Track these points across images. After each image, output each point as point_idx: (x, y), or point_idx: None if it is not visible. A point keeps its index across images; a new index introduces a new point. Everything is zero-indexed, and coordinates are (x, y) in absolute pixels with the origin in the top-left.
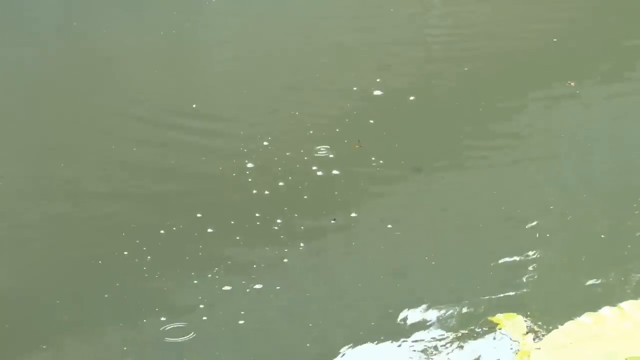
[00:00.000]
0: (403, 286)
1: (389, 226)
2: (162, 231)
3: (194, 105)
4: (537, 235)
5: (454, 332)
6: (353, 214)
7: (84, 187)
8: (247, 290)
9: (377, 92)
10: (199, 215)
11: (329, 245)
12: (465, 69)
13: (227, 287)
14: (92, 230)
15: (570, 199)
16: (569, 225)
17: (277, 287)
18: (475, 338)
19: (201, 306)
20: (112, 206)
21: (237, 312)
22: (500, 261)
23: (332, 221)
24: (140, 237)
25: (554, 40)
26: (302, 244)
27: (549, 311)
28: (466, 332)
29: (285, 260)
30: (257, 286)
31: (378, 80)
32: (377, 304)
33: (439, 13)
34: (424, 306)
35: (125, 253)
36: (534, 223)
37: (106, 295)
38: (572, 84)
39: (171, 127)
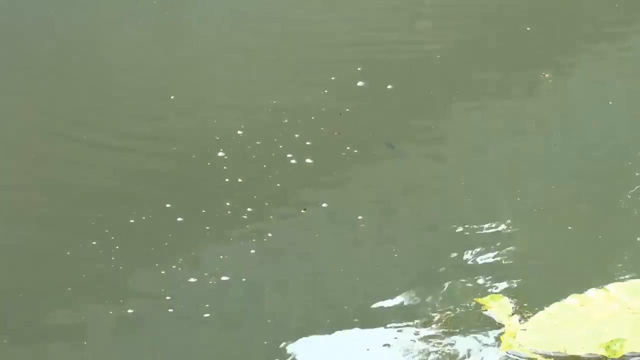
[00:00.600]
0: (374, 277)
1: (359, 217)
2: (131, 220)
3: (172, 97)
4: (517, 217)
5: (439, 313)
6: (324, 204)
7: (52, 175)
8: (214, 282)
9: (355, 82)
10: (168, 205)
11: (297, 237)
12: (438, 56)
13: (192, 279)
14: (61, 220)
15: (544, 183)
16: (550, 208)
17: (243, 279)
18: (460, 319)
19: (167, 298)
20: (83, 194)
21: (203, 304)
22: (482, 243)
23: (303, 211)
24: (109, 226)
25: (527, 29)
26: (270, 234)
27: (534, 292)
28: (451, 313)
29: (252, 251)
30: (224, 278)
31: (358, 69)
32: (345, 295)
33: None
34: (404, 291)
35: (94, 243)
36: (515, 206)
37: (69, 289)
38: (547, 75)
39: (145, 117)
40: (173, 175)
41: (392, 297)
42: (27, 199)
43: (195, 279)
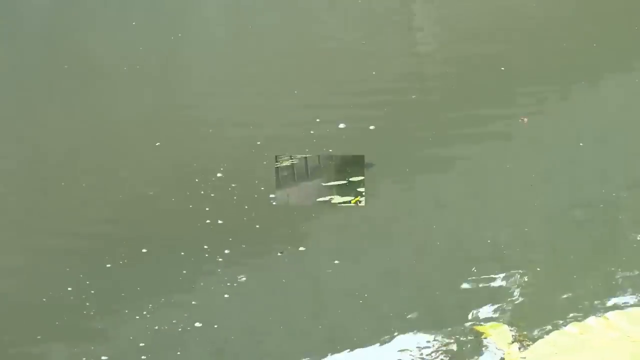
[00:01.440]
0: (362, 314)
1: (336, 262)
2: (108, 265)
3: (157, 144)
4: (514, 246)
5: (440, 341)
6: (301, 248)
7: (30, 221)
8: (186, 328)
9: (338, 123)
10: (144, 250)
11: (272, 281)
12: (413, 96)
13: (165, 326)
14: (37, 264)
15: (532, 216)
16: (547, 238)
17: (215, 326)
18: (460, 347)
19: (141, 344)
20: (59, 239)
21: (174, 351)
22: (482, 270)
23: (279, 254)
24: (85, 271)
25: (502, 69)
26: (244, 278)
27: (534, 321)
28: (452, 341)
29: (226, 295)
30: (197, 324)
31: (340, 111)
32: (335, 334)
33: (401, 47)
34: (402, 322)
35: (69, 289)
36: (511, 236)
37: (39, 337)
38: (525, 119)
39: (124, 160)
40: (152, 217)
41: (390, 329)
42: (5, 245)
43: (167, 326)
